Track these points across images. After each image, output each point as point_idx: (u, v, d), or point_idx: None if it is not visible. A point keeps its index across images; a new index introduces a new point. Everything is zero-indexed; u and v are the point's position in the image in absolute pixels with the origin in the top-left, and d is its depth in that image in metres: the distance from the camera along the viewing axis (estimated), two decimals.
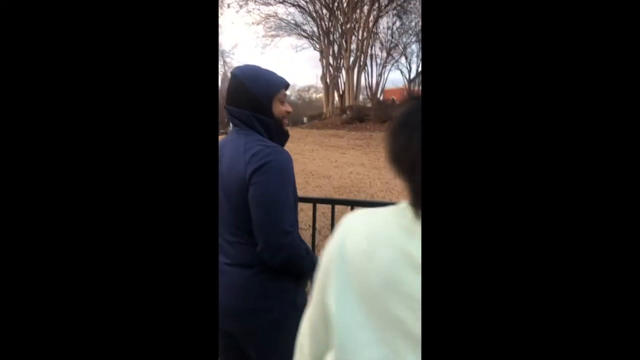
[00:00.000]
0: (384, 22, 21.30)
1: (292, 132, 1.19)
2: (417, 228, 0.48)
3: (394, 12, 20.13)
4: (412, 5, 18.81)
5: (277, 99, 1.09)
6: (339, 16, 20.04)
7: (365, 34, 19.24)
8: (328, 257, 0.54)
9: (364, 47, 19.39)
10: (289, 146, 1.14)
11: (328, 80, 20.29)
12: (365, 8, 19.01)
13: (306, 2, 20.12)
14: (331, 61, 20.36)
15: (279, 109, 1.09)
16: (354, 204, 1.94)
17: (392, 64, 23.61)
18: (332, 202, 1.96)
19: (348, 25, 19.22)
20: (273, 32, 22.29)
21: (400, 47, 22.71)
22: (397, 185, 6.17)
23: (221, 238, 1.08)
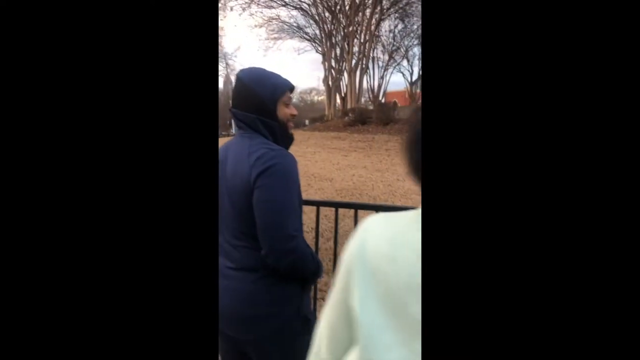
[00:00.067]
0: (386, 25, 21.40)
1: (294, 134, 1.18)
2: None
3: (396, 15, 20.19)
4: (414, 8, 18.85)
5: (282, 101, 1.07)
6: (341, 19, 20.09)
7: (367, 36, 19.27)
8: (349, 259, 0.55)
9: (366, 50, 19.43)
10: (290, 149, 1.13)
11: (330, 82, 20.31)
12: (368, 11, 19.05)
13: (309, 5, 20.22)
14: (333, 64, 20.40)
15: (283, 111, 1.08)
16: (357, 207, 1.93)
17: (394, 67, 23.70)
18: (336, 205, 1.95)
19: (350, 28, 19.26)
20: (275, 35, 22.42)
21: (402, 50, 22.78)
22: (399, 187, 6.16)
23: (225, 242, 1.07)
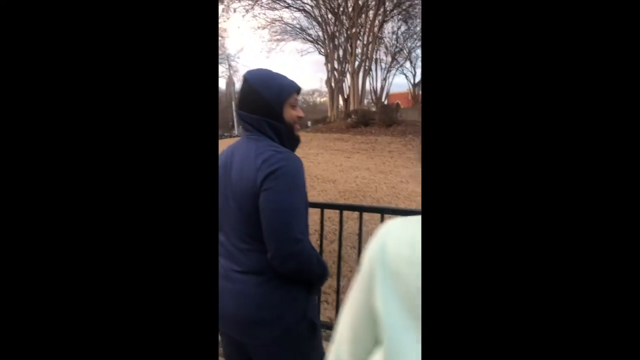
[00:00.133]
0: (389, 27, 21.41)
1: None
2: None
3: (399, 16, 20.20)
4: (417, 10, 18.82)
5: (289, 103, 1.06)
6: (344, 21, 20.11)
7: (370, 38, 19.28)
8: (370, 262, 0.56)
9: (369, 52, 19.42)
10: None
11: (333, 84, 20.33)
12: (371, 13, 19.06)
13: (312, 6, 20.24)
14: (336, 65, 20.40)
15: (290, 113, 1.07)
16: (362, 210, 1.92)
17: (397, 69, 23.73)
18: (340, 207, 1.94)
19: (353, 30, 19.27)
20: (278, 37, 22.45)
21: (405, 52, 22.81)
22: (403, 189, 6.15)
23: (231, 245, 1.06)
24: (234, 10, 19.38)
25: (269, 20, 21.38)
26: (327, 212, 1.95)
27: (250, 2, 19.06)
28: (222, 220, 1.08)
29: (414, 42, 22.13)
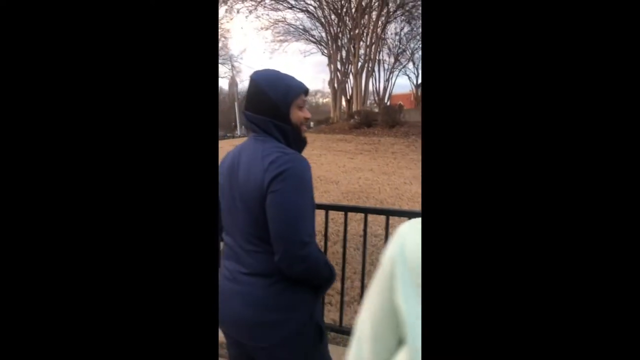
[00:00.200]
0: (392, 28, 21.45)
1: None
2: None
3: (402, 17, 20.19)
4: (420, 11, 18.79)
5: (296, 104, 1.05)
6: (347, 22, 20.12)
7: (373, 39, 19.27)
8: (390, 262, 0.57)
9: (372, 53, 19.42)
10: None
11: (336, 85, 20.33)
12: (374, 14, 19.06)
13: (315, 7, 20.25)
14: (339, 66, 20.42)
15: (297, 115, 1.06)
16: (367, 212, 1.91)
17: (400, 70, 23.72)
18: (345, 209, 1.93)
19: (356, 31, 19.27)
20: (281, 37, 22.49)
21: (408, 53, 22.82)
22: (406, 191, 6.13)
23: (238, 246, 1.05)
24: (238, 11, 19.45)
25: (272, 21, 21.44)
26: (330, 213, 1.94)
27: (253, 3, 19.11)
28: (229, 222, 1.07)
29: (416, 43, 22.12)
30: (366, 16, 19.24)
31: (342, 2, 19.52)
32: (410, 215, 1.77)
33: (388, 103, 21.41)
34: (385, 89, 22.36)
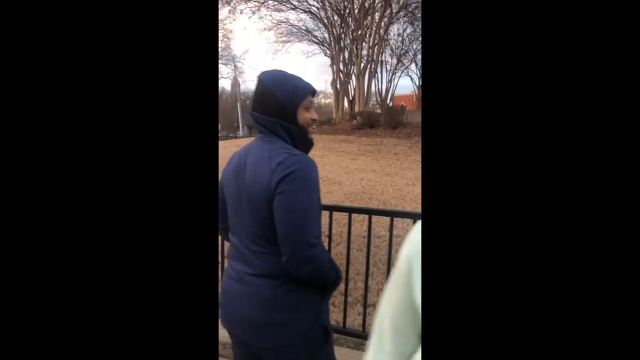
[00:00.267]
0: (394, 29, 21.38)
1: None
2: None
3: (405, 18, 20.16)
4: None
5: (303, 106, 1.05)
6: (350, 23, 20.12)
7: (375, 40, 19.26)
8: (407, 260, 0.58)
9: (375, 54, 19.42)
10: None
11: (338, 85, 20.32)
12: (377, 15, 19.04)
13: (318, 8, 20.27)
14: (341, 67, 20.41)
15: (304, 116, 1.06)
16: (371, 213, 1.91)
17: (402, 71, 23.69)
18: (349, 210, 1.93)
19: (359, 32, 19.27)
20: (284, 38, 22.52)
21: (411, 54, 22.77)
22: (409, 192, 6.12)
23: (244, 247, 1.05)
24: (241, 12, 19.47)
25: (275, 21, 21.49)
26: (333, 214, 1.94)
27: (256, 4, 19.14)
28: (235, 223, 1.07)
29: (419, 45, 22.04)
30: (369, 17, 19.24)
31: (345, 3, 19.54)
32: (413, 216, 1.77)
33: (390, 104, 21.37)
34: (387, 90, 22.35)
